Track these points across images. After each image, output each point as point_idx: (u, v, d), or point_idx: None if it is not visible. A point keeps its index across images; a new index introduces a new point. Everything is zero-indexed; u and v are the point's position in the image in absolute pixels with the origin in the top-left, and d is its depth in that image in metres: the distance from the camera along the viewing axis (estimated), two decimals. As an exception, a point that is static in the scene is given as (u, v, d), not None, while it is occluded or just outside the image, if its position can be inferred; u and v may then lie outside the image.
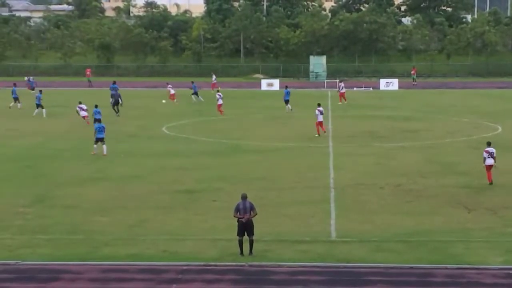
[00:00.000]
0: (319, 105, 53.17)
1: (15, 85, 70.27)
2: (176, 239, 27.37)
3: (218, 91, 69.07)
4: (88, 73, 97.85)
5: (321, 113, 52.45)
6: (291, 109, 66.43)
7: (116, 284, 22.78)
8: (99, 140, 45.24)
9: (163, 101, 74.40)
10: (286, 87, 71.52)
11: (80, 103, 59.02)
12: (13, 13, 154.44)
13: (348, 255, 25.26)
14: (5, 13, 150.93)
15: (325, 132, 52.65)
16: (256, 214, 25.73)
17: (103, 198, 33.92)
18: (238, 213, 25.54)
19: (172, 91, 75.01)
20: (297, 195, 34.34)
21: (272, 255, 25.33)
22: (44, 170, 40.63)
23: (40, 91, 65.15)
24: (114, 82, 74.31)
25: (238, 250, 25.34)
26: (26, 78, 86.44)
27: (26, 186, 36.45)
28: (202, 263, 24.48)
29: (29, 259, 24.97)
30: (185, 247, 26.38)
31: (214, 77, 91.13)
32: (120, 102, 64.61)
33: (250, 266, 24.29)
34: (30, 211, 31.61)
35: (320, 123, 52.50)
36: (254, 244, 25.48)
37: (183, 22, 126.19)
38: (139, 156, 44.81)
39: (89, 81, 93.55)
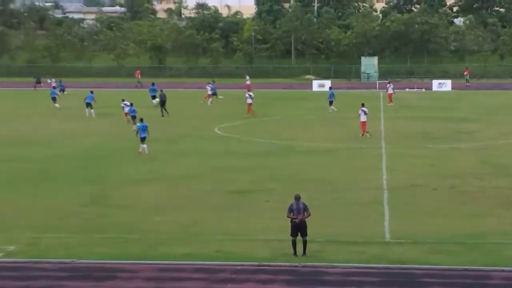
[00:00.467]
0: (363, 105, 53.07)
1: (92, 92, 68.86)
2: (230, 239, 27.52)
3: (249, 91, 68.95)
4: (137, 74, 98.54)
5: (365, 113, 52.31)
6: (336, 110, 66.31)
7: (171, 283, 22.99)
8: (142, 139, 45.73)
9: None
10: (330, 88, 71.54)
11: (123, 100, 60.51)
12: (66, 15, 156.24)
13: (402, 257, 25.18)
14: (58, 15, 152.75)
15: (368, 133, 52.18)
16: (310, 214, 25.77)
17: (158, 198, 34.23)
18: (292, 214, 25.60)
19: (210, 92, 75.18)
20: (350, 196, 34.30)
21: (325, 256, 25.35)
22: (100, 170, 41.10)
23: (91, 91, 65.86)
24: (153, 84, 75.38)
25: (292, 250, 25.40)
26: (49, 81, 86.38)
27: (83, 186, 36.91)
28: (256, 263, 24.58)
29: (85, 257, 25.30)
30: (239, 247, 26.52)
31: (247, 78, 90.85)
32: (160, 102, 64.85)
33: (304, 266, 24.33)
34: (87, 210, 32.04)
35: (363, 123, 52.37)
36: (308, 245, 25.52)
37: (234, 24, 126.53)
38: (192, 157, 45.09)
39: (139, 82, 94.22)
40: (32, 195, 34.84)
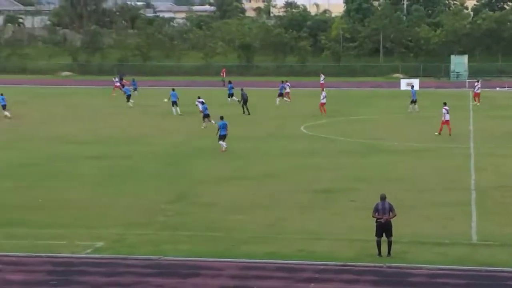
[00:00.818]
0: (445, 104, 52.41)
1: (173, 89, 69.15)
2: (313, 238, 27.46)
3: (323, 90, 68.40)
4: (223, 73, 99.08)
5: (448, 112, 51.79)
6: (417, 110, 65.58)
7: (254, 281, 23.06)
8: (222, 137, 46.02)
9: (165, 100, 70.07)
10: (412, 87, 70.83)
11: (199, 97, 61.07)
12: (157, 14, 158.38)
13: (490, 259, 24.71)
14: (149, 14, 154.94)
15: (441, 132, 51.48)
16: (395, 215, 25.54)
17: (242, 196, 34.39)
18: (377, 214, 25.42)
19: (288, 90, 74.89)
20: (437, 196, 33.86)
21: (410, 257, 25.09)
22: (185, 168, 41.53)
23: (173, 89, 66.55)
24: (230, 82, 75.96)
25: (376, 251, 25.21)
26: (115, 79, 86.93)
27: (169, 183, 37.36)
28: (340, 263, 24.46)
29: (171, 254, 25.58)
30: (323, 247, 26.45)
31: (322, 77, 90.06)
32: (243, 101, 65.07)
33: (389, 267, 24.12)
34: (172, 208, 32.40)
35: (446, 122, 51.73)
36: (393, 245, 25.30)
37: (322, 22, 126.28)
38: (277, 155, 45.17)
39: (223, 80, 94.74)
40: (120, 192, 35.42)
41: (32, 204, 32.95)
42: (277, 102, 72.36)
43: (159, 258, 25.23)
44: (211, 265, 24.52)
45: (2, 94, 65.13)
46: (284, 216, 30.76)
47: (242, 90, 66.88)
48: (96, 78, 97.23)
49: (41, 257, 25.36)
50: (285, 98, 73.87)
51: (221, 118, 47.32)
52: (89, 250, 26.25)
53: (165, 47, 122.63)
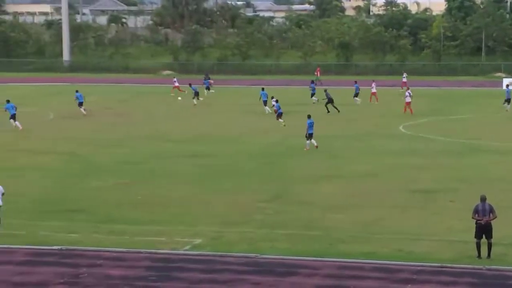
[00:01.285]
0: None
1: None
2: (412, 238, 27.22)
3: (408, 89, 67.31)
4: (317, 72, 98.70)
5: None
6: (507, 110, 64.24)
7: (351, 281, 22.98)
8: (309, 136, 46.03)
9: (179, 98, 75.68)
10: (507, 85, 69.39)
11: (272, 97, 61.50)
12: (257, 13, 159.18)
13: None
14: (249, 13, 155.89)
15: None
16: (496, 217, 25.09)
17: (339, 195, 34.33)
18: (477, 215, 25.02)
19: (374, 90, 73.99)
20: (540, 198, 33.10)
21: (510, 260, 24.61)
22: (281, 167, 41.64)
23: (263, 88, 66.86)
24: (313, 81, 75.83)
25: (476, 252, 24.82)
26: (174, 80, 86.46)
27: (266, 182, 37.54)
28: (438, 264, 24.16)
29: (268, 252, 25.70)
30: (421, 247, 26.19)
31: (405, 75, 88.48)
32: (328, 100, 64.75)
33: (488, 269, 23.70)
34: (269, 206, 32.56)
35: None
36: (493, 247, 24.85)
37: (423, 20, 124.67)
38: (375, 154, 44.90)
39: (318, 79, 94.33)
40: (217, 190, 35.74)
41: (132, 201, 33.59)
42: (358, 102, 71.75)
43: (256, 256, 25.38)
44: (308, 264, 24.55)
45: (77, 91, 66.08)
46: (382, 216, 30.59)
47: (325, 90, 66.86)
48: (195, 77, 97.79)
49: (141, 253, 25.83)
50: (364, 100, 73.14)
51: (308, 116, 47.35)
52: (187, 247, 26.61)
53: (265, 46, 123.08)
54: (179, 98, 76.27)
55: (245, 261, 24.96)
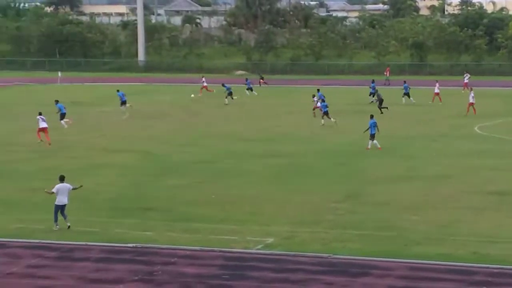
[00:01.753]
0: None
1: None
2: (487, 241, 26.86)
3: (471, 90, 66.06)
4: (386, 71, 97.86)
5: None
6: None
7: (424, 282, 22.78)
8: (372, 136, 45.99)
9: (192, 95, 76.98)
10: None
11: (313, 95, 62.22)
12: (330, 13, 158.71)
13: None
14: (322, 13, 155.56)
15: None
16: None
17: (414, 197, 34.03)
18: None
19: (437, 90, 72.94)
20: None
21: None
22: (356, 167, 41.46)
23: (318, 89, 66.64)
24: (373, 81, 75.23)
25: (553, 255, 24.42)
26: (203, 79, 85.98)
27: (339, 182, 37.44)
28: (515, 267, 23.87)
29: (340, 253, 25.64)
30: (497, 250, 25.81)
31: (467, 76, 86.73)
32: (379, 101, 64.11)
33: None
34: (342, 206, 32.46)
35: None
36: None
37: (499, 20, 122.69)
38: (451, 156, 44.41)
39: (387, 79, 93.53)
40: (290, 190, 35.73)
41: (206, 199, 33.83)
42: (404, 101, 71.04)
43: (329, 256, 25.34)
44: (381, 265, 24.42)
45: (118, 90, 67.34)
46: (457, 218, 30.24)
47: (377, 91, 66.34)
48: (268, 77, 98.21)
49: (214, 251, 26.01)
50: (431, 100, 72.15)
51: (371, 116, 47.28)
52: (260, 246, 26.69)
53: (338, 46, 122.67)
54: (192, 95, 77.73)
55: (318, 261, 24.94)
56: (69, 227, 28.66)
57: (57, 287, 22.63)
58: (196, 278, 23.24)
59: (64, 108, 56.72)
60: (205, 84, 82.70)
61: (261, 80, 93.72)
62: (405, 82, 74.08)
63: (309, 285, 22.69)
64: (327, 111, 57.03)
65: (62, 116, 56.16)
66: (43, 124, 49.61)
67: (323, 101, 58.91)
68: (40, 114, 50.09)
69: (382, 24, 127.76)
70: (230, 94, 73.58)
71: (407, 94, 71.68)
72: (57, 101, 57.63)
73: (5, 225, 29.45)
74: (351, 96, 64.51)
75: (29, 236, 27.97)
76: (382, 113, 62.45)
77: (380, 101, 64.31)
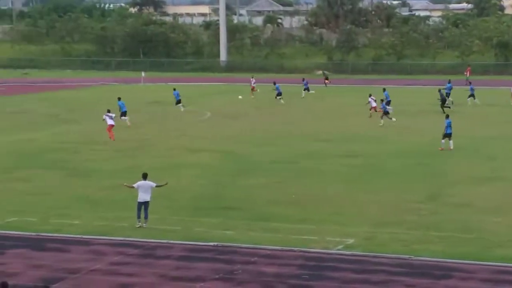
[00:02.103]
0: None
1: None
2: None
3: None
4: (467, 72, 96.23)
5: None
6: None
7: (508, 286, 22.41)
8: (448, 135, 45.65)
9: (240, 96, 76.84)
10: None
11: (370, 95, 62.67)
12: (413, 12, 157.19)
13: None
14: (405, 12, 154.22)
15: None
16: None
17: (497, 198, 33.50)
18: None
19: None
20: None
21: None
22: (436, 167, 40.98)
23: (384, 89, 65.94)
24: (449, 81, 73.93)
25: None
26: (252, 80, 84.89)
27: (419, 182, 37.08)
28: None
29: (422, 255, 25.39)
30: None
31: None
32: (441, 100, 62.96)
33: None
34: (423, 207, 32.15)
35: None
36: None
37: None
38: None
39: (468, 80, 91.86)
40: (370, 190, 35.55)
41: (286, 199, 33.88)
42: (470, 103, 69.84)
43: (410, 257, 25.13)
44: (463, 267, 24.10)
45: (175, 89, 68.34)
46: (542, 220, 29.70)
47: (439, 90, 65.43)
48: (349, 77, 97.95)
49: (294, 251, 26.05)
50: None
51: (447, 116, 46.96)
52: (340, 247, 26.63)
53: (420, 46, 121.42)
54: (240, 96, 77.50)
55: (399, 262, 24.75)
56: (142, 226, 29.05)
57: (140, 284, 22.95)
58: (276, 278, 23.30)
59: (125, 106, 57.77)
60: (253, 84, 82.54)
61: (326, 80, 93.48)
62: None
63: (390, 286, 22.54)
64: (387, 111, 56.63)
65: (123, 114, 57.26)
66: (110, 122, 50.56)
67: (388, 102, 58.53)
68: (108, 111, 51.06)
69: (465, 23, 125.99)
70: (279, 94, 73.85)
71: (472, 95, 70.58)
72: (119, 98, 58.66)
73: (89, 223, 30.04)
74: (434, 96, 63.63)
75: (112, 233, 28.47)
76: (444, 112, 61.80)
77: (443, 100, 63.55)
